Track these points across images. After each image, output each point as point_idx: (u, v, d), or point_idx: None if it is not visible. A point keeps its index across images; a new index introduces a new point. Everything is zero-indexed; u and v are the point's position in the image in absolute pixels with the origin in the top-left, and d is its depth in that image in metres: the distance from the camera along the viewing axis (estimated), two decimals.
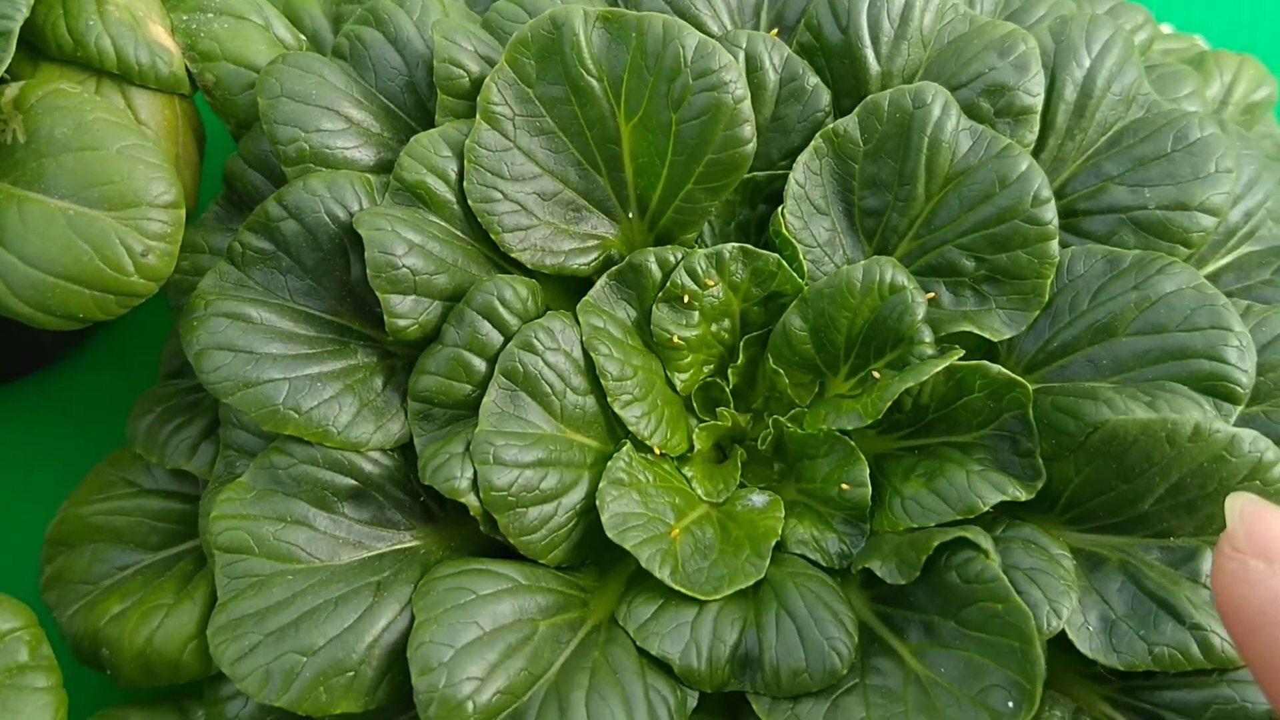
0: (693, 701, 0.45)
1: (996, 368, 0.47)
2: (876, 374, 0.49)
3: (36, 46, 0.49)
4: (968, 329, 0.49)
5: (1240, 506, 0.37)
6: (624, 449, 0.48)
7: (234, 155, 0.53)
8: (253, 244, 0.47)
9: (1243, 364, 0.46)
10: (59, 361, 0.67)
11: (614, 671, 0.44)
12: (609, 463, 0.48)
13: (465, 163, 0.48)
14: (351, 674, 0.43)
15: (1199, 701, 0.45)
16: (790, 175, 0.50)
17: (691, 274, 0.49)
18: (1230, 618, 0.36)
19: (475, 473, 0.44)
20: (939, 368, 0.47)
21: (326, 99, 0.49)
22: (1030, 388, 0.46)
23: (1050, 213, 0.48)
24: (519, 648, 0.43)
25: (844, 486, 0.48)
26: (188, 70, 0.52)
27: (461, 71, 0.49)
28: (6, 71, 0.46)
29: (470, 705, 0.41)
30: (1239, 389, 0.45)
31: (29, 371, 0.67)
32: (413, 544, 0.47)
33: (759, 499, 0.51)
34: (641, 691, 0.43)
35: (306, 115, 0.48)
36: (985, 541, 0.43)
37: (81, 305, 0.44)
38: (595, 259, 0.50)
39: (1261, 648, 0.35)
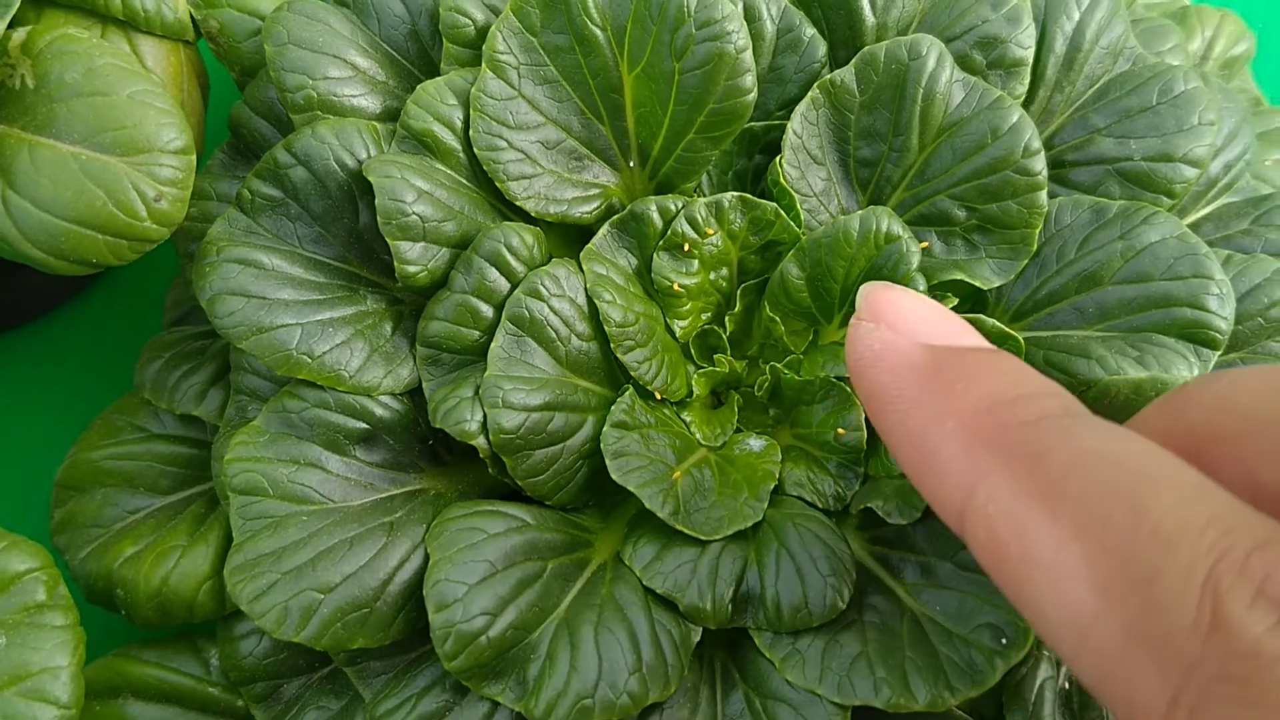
0: (696, 636, 0.46)
1: (991, 321, 0.48)
2: None
3: None
4: (958, 277, 0.50)
5: (863, 290, 0.39)
6: (626, 394, 0.49)
7: (239, 103, 0.53)
8: (261, 191, 0.47)
9: (1223, 311, 0.47)
10: (60, 308, 0.68)
11: (621, 608, 0.45)
12: (612, 407, 0.49)
13: (471, 111, 0.49)
14: (367, 610, 0.44)
15: None
16: (788, 125, 0.51)
17: (692, 222, 0.50)
18: (851, 371, 0.38)
19: (485, 416, 0.45)
20: None
21: (333, 46, 0.49)
22: (1022, 341, 0.48)
23: (1040, 164, 0.50)
24: (529, 584, 0.44)
25: (840, 431, 0.50)
26: (191, 16, 0.52)
27: (467, 20, 0.50)
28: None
29: (484, 639, 0.42)
30: (1219, 336, 0.47)
31: (31, 318, 0.67)
32: (422, 486, 0.48)
33: (756, 443, 0.52)
34: (648, 627, 0.45)
35: (314, 63, 0.48)
36: None
37: (95, 250, 0.45)
38: (597, 207, 0.51)
39: (866, 387, 0.37)
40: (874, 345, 0.37)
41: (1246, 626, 0.24)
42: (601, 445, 0.48)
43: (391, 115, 0.50)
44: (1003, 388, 0.33)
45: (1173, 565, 0.25)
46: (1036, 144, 0.50)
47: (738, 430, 0.53)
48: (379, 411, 0.47)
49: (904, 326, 0.37)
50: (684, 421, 0.52)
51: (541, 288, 0.47)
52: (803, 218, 0.51)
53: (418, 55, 0.52)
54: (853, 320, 0.38)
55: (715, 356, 0.53)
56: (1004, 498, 0.30)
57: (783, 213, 0.51)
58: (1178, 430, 0.33)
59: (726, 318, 0.53)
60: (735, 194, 0.51)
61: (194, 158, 0.46)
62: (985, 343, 0.38)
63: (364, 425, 0.47)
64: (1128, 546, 0.26)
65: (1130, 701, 0.26)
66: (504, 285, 0.47)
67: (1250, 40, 0.65)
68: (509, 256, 0.47)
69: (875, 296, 0.38)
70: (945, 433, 0.32)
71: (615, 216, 0.51)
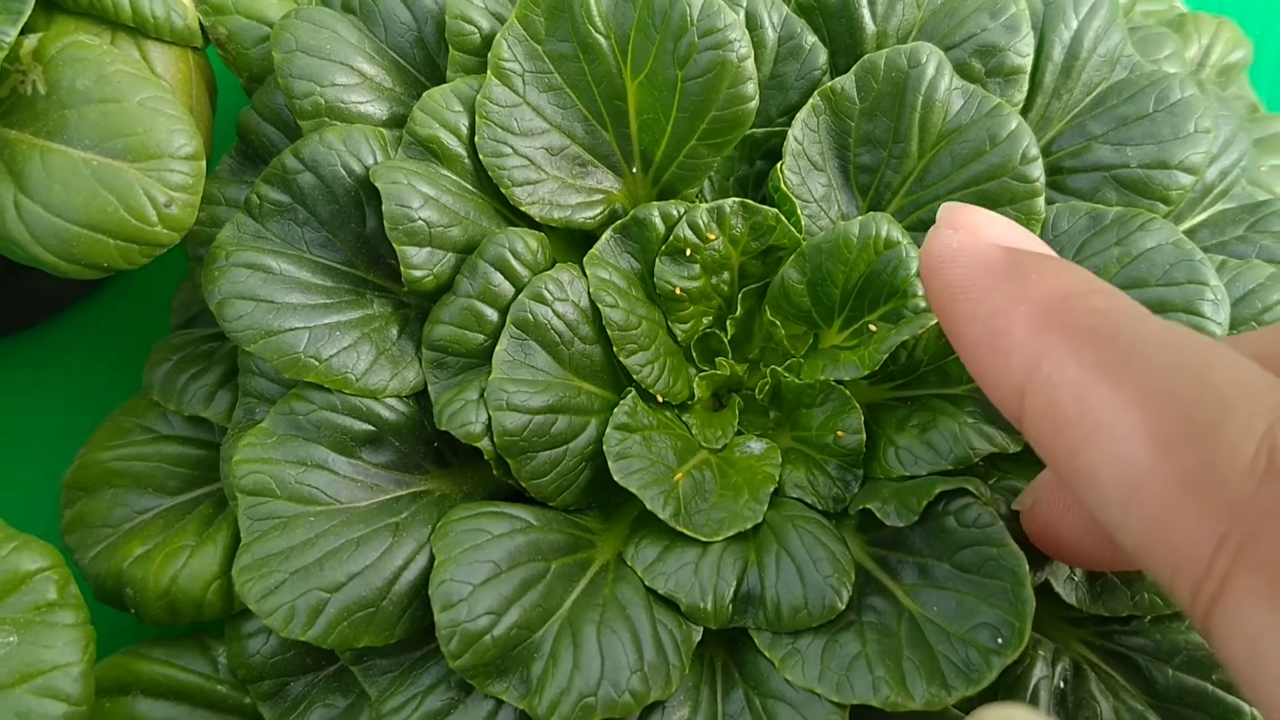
0: (697, 636, 0.47)
1: None
2: (872, 327, 0.51)
3: None
4: None
5: (944, 207, 0.40)
6: (628, 396, 0.50)
7: (247, 108, 0.54)
8: (270, 196, 0.48)
9: (1218, 317, 0.48)
10: (69, 311, 0.68)
11: (623, 608, 0.46)
12: (615, 409, 0.49)
13: (476, 118, 0.49)
14: (373, 609, 0.44)
15: (1171, 646, 0.47)
16: (789, 132, 0.52)
17: (694, 227, 0.51)
18: (925, 271, 0.38)
19: (489, 418, 0.46)
20: (933, 322, 0.49)
21: (340, 54, 0.50)
22: None
23: (1038, 170, 0.50)
24: (533, 584, 0.45)
25: (839, 434, 0.50)
26: (200, 23, 0.53)
27: (473, 28, 0.50)
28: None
29: (489, 638, 0.43)
30: None
31: (40, 320, 0.68)
32: (428, 487, 0.49)
33: (756, 446, 0.53)
34: (650, 627, 0.45)
35: (321, 70, 0.49)
36: (984, 490, 0.46)
37: (106, 255, 0.45)
38: (600, 213, 0.52)
39: (940, 282, 0.37)
40: (952, 245, 0.37)
41: None
42: (604, 447, 0.48)
43: (398, 122, 0.51)
44: (1076, 282, 0.34)
45: (1232, 421, 0.26)
46: (1034, 151, 0.50)
47: (738, 433, 0.54)
48: (385, 414, 0.48)
49: (981, 233, 0.38)
50: (685, 424, 0.53)
51: (545, 292, 0.48)
52: (803, 223, 0.52)
53: (424, 62, 0.53)
54: (931, 231, 0.39)
55: (716, 360, 0.54)
56: (1069, 369, 0.31)
57: (783, 218, 0.51)
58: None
59: (728, 321, 0.54)
60: (736, 200, 0.51)
61: (204, 163, 0.47)
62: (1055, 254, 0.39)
63: (370, 427, 0.48)
64: (1189, 407, 0.27)
65: (1176, 550, 0.27)
66: (508, 289, 0.48)
67: (1247, 47, 0.66)
68: (513, 261, 0.48)
69: (956, 211, 0.39)
70: (1017, 315, 0.33)
71: (618, 222, 0.52)
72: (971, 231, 0.38)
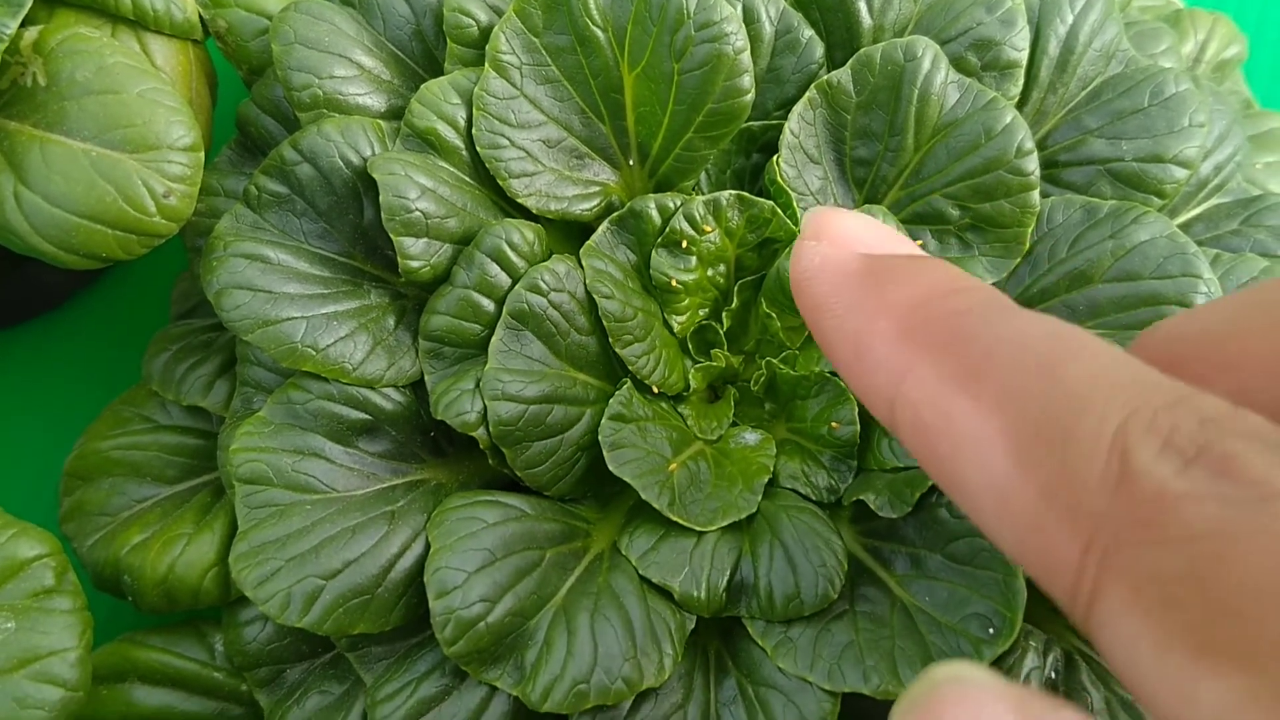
0: (691, 624, 0.47)
1: None
2: None
3: None
4: None
5: (807, 213, 0.39)
6: (624, 387, 0.50)
7: (247, 100, 0.54)
8: (268, 187, 0.48)
9: None
10: (69, 302, 0.69)
11: (617, 596, 0.46)
12: (610, 400, 0.50)
13: (474, 110, 0.50)
14: (368, 596, 0.45)
15: None
16: (785, 125, 0.52)
17: (690, 220, 0.51)
18: (794, 288, 0.37)
19: (485, 408, 0.46)
20: None
21: (339, 46, 0.50)
22: None
23: (1033, 164, 0.51)
24: (527, 572, 0.45)
25: (834, 425, 0.51)
26: (200, 16, 0.53)
27: (470, 21, 0.51)
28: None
29: (483, 625, 0.43)
30: None
31: (40, 312, 0.68)
32: (424, 476, 0.49)
33: (751, 437, 0.53)
34: (643, 615, 0.46)
35: (320, 62, 0.49)
36: None
37: (105, 245, 0.46)
38: (597, 205, 0.52)
39: (807, 300, 0.36)
40: (814, 259, 0.36)
41: (1153, 472, 0.24)
42: (599, 437, 0.49)
43: (396, 114, 0.51)
44: (933, 285, 0.33)
45: (1084, 425, 0.26)
46: (1029, 144, 0.50)
47: (733, 424, 0.54)
48: (382, 403, 0.48)
49: (843, 241, 0.37)
50: (681, 415, 0.53)
51: (542, 283, 0.48)
52: (799, 216, 0.52)
53: (422, 55, 0.53)
54: (796, 241, 0.38)
55: (712, 351, 0.54)
56: (930, 383, 0.30)
57: (779, 211, 0.52)
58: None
59: (724, 313, 0.54)
60: (733, 192, 0.52)
61: (202, 154, 0.47)
62: (920, 251, 0.38)
63: (367, 416, 0.48)
64: (1042, 412, 0.27)
65: (1047, 562, 0.27)
66: (505, 280, 0.48)
67: (1242, 43, 0.66)
68: (510, 252, 0.48)
69: (817, 217, 0.38)
70: (877, 331, 0.33)
71: (615, 214, 0.52)
72: (833, 240, 0.37)
